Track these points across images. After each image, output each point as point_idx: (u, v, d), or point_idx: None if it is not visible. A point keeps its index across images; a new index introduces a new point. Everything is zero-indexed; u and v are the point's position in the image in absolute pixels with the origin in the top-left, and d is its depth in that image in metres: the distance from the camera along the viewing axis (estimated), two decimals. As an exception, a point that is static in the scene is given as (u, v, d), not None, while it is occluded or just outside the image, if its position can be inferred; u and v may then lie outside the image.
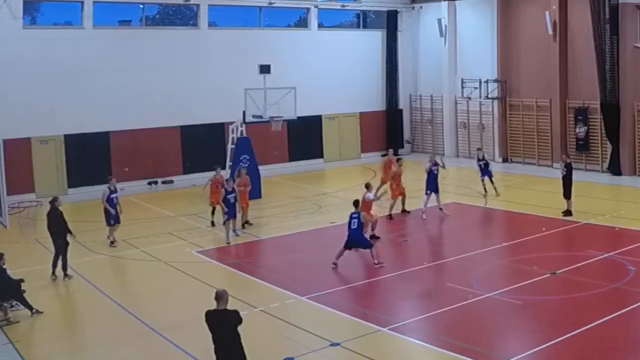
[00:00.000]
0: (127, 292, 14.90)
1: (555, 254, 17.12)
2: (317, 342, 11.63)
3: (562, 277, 14.69)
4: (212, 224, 20.51)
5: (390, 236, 19.20)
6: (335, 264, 15.93)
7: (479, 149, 25.02)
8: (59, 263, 15.80)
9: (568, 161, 20.49)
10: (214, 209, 20.55)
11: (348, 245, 16.07)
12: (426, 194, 20.61)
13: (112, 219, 18.27)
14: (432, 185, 20.64)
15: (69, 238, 15.97)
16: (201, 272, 16.17)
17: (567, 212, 20.04)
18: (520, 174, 28.25)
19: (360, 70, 33.75)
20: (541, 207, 20.80)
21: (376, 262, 15.82)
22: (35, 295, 13.95)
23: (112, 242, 18.50)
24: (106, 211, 18.23)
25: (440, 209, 20.73)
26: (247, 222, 20.33)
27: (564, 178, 20.18)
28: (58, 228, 15.81)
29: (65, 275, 15.79)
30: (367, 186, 18.53)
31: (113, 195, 18.18)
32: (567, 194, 20.10)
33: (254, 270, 16.39)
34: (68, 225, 15.98)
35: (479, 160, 23.79)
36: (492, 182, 23.36)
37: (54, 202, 16.04)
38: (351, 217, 16.07)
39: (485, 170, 23.42)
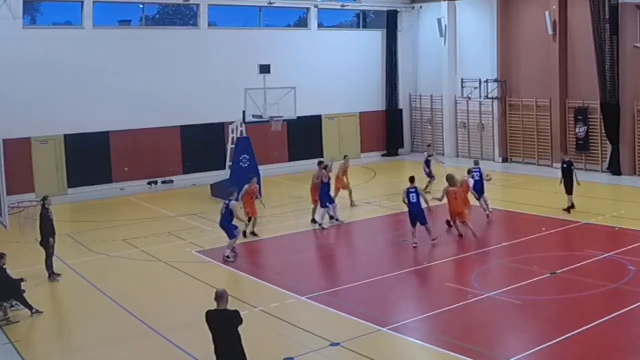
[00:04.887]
0: (127, 292, 14.88)
1: (555, 254, 17.11)
2: (317, 342, 11.63)
3: (562, 277, 14.68)
4: (245, 234, 18.87)
5: (390, 236, 19.23)
6: (415, 243, 17.22)
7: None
8: (52, 263, 15.75)
9: (567, 159, 20.81)
10: (250, 218, 19.14)
11: (412, 221, 17.29)
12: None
13: (329, 200, 20.12)
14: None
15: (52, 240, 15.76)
16: (201, 272, 16.16)
17: (570, 207, 20.19)
18: (520, 174, 28.23)
19: (360, 70, 33.74)
20: (541, 207, 20.77)
21: (432, 238, 17.36)
22: (35, 296, 13.93)
23: (335, 218, 20.16)
24: (323, 194, 19.87)
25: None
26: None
27: (564, 175, 20.39)
28: (47, 228, 15.73)
29: (52, 274, 15.71)
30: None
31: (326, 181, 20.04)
32: (569, 190, 20.33)
33: (254, 270, 16.39)
34: (54, 227, 15.92)
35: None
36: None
37: (43, 201, 15.99)
38: (409, 192, 17.18)
39: None
